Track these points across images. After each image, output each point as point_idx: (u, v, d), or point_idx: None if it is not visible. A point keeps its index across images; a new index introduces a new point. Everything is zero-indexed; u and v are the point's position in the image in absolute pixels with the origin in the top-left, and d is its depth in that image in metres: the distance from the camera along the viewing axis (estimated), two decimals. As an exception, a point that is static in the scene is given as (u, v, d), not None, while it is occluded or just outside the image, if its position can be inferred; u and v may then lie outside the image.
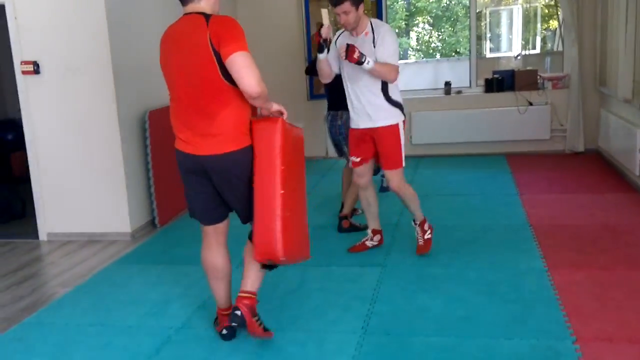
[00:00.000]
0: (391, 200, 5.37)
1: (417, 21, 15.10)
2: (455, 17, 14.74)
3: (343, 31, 3.84)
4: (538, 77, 6.85)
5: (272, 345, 2.96)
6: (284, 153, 2.69)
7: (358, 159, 3.96)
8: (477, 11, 11.42)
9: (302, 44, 7.21)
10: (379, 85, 3.72)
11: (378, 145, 3.87)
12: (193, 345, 3.02)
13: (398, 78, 3.73)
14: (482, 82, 7.07)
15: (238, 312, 2.81)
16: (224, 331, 3.04)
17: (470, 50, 7.25)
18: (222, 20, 2.62)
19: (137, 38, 4.96)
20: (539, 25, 12.10)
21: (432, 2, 14.91)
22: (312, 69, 4.79)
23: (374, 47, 3.66)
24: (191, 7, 2.67)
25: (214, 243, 2.96)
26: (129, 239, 4.77)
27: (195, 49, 2.59)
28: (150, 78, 5.12)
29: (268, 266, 2.90)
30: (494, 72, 7.02)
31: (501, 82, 6.85)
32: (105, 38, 4.58)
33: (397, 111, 3.81)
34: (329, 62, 3.82)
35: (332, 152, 7.21)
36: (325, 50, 3.70)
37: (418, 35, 15.57)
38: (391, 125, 3.81)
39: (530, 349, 2.78)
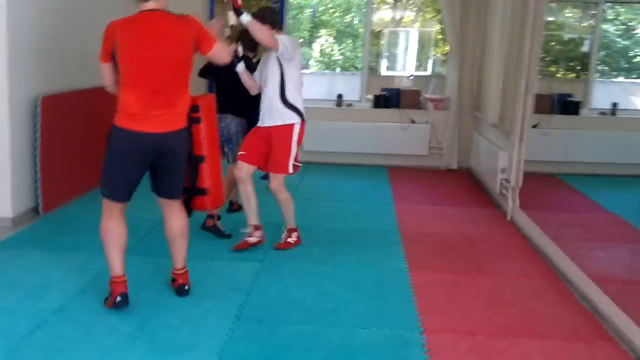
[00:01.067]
0: (272, 201, 5.66)
1: (320, 34, 15.56)
2: (356, 33, 15.34)
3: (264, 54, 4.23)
4: (421, 97, 7.40)
5: (147, 329, 3.13)
6: (214, 123, 3.54)
7: (244, 153, 4.20)
8: (377, 30, 12.00)
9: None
10: (277, 88, 4.04)
11: (270, 145, 4.14)
12: (69, 327, 3.11)
13: (295, 86, 4.08)
14: (371, 97, 7.53)
15: (186, 287, 3.49)
16: (118, 298, 3.25)
17: (362, 66, 7.71)
18: (195, 20, 3.16)
19: (34, 21, 4.92)
20: (432, 49, 12.87)
21: (336, 17, 15.43)
22: (205, 72, 4.96)
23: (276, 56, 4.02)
24: (152, 4, 3.08)
25: (119, 214, 3.28)
26: (9, 224, 4.71)
27: (178, 43, 3.09)
28: (47, 63, 5.12)
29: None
30: (382, 90, 7.50)
31: (388, 99, 7.33)
32: (3, 16, 4.52)
33: (291, 113, 4.08)
34: (249, 75, 4.22)
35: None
36: (240, 63, 4.12)
37: (321, 48, 16.05)
38: (284, 126, 4.08)
39: (383, 338, 3.13)
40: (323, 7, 14.60)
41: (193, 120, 3.32)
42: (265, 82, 4.11)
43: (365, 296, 3.64)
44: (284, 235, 4.44)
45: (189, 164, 3.36)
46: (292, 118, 4.08)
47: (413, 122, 7.30)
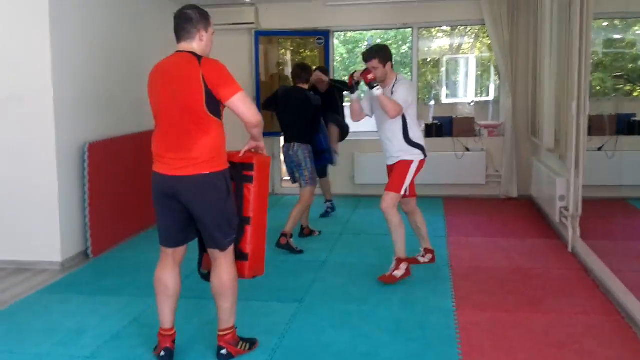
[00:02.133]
0: (323, 238, 5.55)
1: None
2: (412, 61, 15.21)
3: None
4: (474, 124, 7.14)
5: (177, 376, 3.05)
6: (267, 185, 3.29)
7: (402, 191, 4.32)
8: (436, 59, 11.83)
9: (252, 82, 7.43)
10: (400, 128, 4.23)
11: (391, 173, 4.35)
12: (97, 375, 3.09)
13: (414, 121, 4.28)
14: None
15: (224, 352, 3.17)
16: (162, 353, 3.15)
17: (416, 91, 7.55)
18: (213, 63, 2.97)
19: (80, 69, 5.10)
20: (492, 74, 12.57)
21: (393, 48, 15.39)
22: (268, 104, 5.52)
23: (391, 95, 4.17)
24: (183, 46, 3.03)
25: (170, 263, 3.17)
26: (58, 268, 4.81)
27: (186, 82, 2.93)
28: (92, 110, 5.27)
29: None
30: (434, 118, 7.31)
31: (440, 127, 7.13)
32: (48, 68, 4.70)
33: (416, 150, 4.27)
34: (360, 104, 4.39)
35: (278, 188, 7.39)
36: (356, 91, 4.29)
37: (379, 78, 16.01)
38: (406, 160, 4.27)
39: (419, 384, 2.92)
40: (379, 40, 14.62)
41: (245, 178, 3.13)
42: (382, 120, 4.30)
43: (404, 339, 3.43)
44: (392, 266, 4.32)
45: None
46: (417, 154, 4.28)
47: (467, 150, 7.05)
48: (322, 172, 6.18)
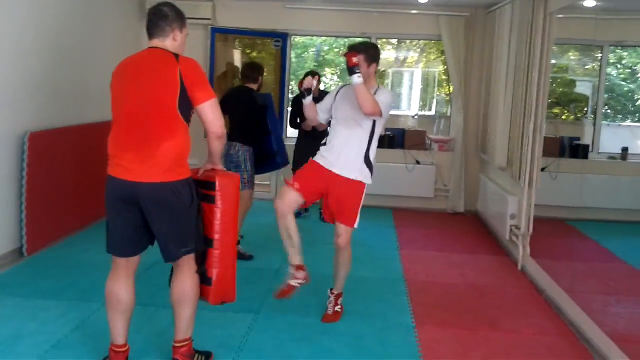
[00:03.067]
0: (275, 244, 5.38)
1: (325, 72, 15.50)
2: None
3: (348, 84, 3.71)
4: (426, 137, 7.18)
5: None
6: (235, 206, 2.99)
7: (297, 185, 3.66)
8: (382, 70, 11.89)
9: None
10: (364, 143, 3.67)
11: (336, 195, 3.68)
12: (38, 388, 2.83)
13: (377, 139, 3.71)
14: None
15: None
16: None
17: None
18: (191, 62, 2.78)
19: (23, 54, 4.73)
20: (435, 89, 12.76)
21: (340, 56, 15.40)
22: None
23: None
24: (155, 43, 2.82)
25: (123, 275, 2.89)
26: (-11, 266, 4.45)
27: (160, 78, 2.71)
28: (34, 98, 4.91)
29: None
30: (387, 129, 7.28)
31: (392, 139, 7.12)
32: (-13, 51, 4.35)
33: (368, 172, 3.71)
34: (315, 108, 3.86)
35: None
36: (308, 96, 3.77)
37: (325, 86, 15.98)
38: (359, 182, 3.68)
39: (386, 405, 2.82)
40: (327, 47, 14.57)
41: (206, 198, 2.90)
42: (347, 126, 3.69)
43: (366, 355, 3.34)
44: (330, 302, 3.87)
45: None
46: (368, 178, 3.71)
47: (418, 162, 7.06)
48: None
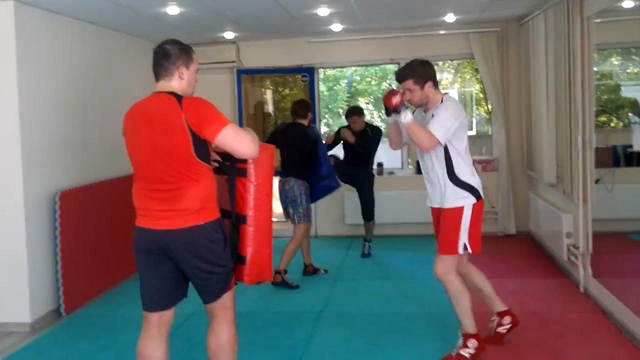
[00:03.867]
0: (316, 286, 5.16)
1: (358, 102, 15.41)
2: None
3: (420, 109, 3.56)
4: (469, 160, 6.89)
5: None
6: (271, 188, 2.86)
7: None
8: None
9: (235, 121, 7.11)
10: (442, 164, 3.39)
11: (438, 226, 3.54)
12: None
13: (462, 154, 3.39)
14: (414, 163, 7.07)
15: None
16: None
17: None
18: (194, 101, 2.64)
19: (50, 113, 4.72)
20: (473, 108, 12.49)
21: (373, 85, 15.28)
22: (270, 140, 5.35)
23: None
24: (162, 85, 2.71)
25: (156, 333, 2.73)
26: (27, 329, 4.34)
27: (169, 128, 2.58)
28: (63, 157, 4.88)
29: None
30: (425, 155, 7.04)
31: (432, 164, 6.85)
32: (15, 113, 4.33)
33: (463, 192, 3.37)
34: (399, 129, 3.58)
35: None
36: (393, 114, 3.41)
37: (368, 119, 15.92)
38: (454, 208, 3.38)
39: None
40: (359, 77, 14.50)
41: (239, 172, 2.78)
42: (421, 157, 3.51)
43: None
44: (459, 343, 3.50)
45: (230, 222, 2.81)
46: (465, 198, 3.37)
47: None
48: (369, 215, 6.09)
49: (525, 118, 6.56)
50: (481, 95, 12.32)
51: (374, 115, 15.77)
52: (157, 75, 2.71)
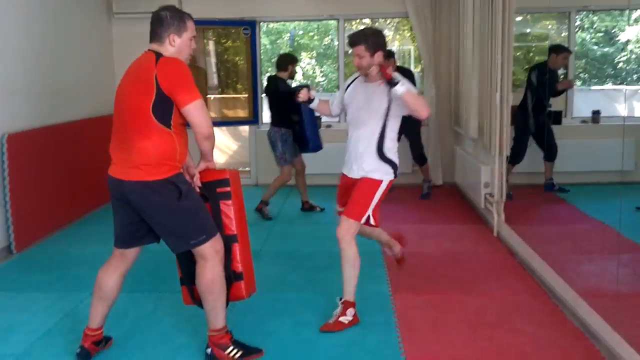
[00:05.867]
0: (256, 228, 5.51)
1: (301, 57, 15.55)
2: (337, 54, 15.35)
3: (358, 75, 3.59)
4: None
5: (115, 371, 2.97)
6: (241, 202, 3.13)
7: (342, 209, 3.64)
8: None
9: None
10: (375, 138, 3.45)
11: (352, 191, 3.53)
12: (32, 373, 2.97)
13: (394, 131, 3.48)
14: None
15: (208, 351, 3.03)
16: (78, 350, 3.04)
17: (338, 86, 7.65)
18: (171, 63, 2.75)
19: (-3, 58, 4.83)
20: (412, 66, 12.87)
21: (315, 40, 15.43)
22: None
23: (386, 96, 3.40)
24: (153, 46, 2.85)
25: (112, 265, 3.02)
26: (-22, 265, 4.56)
27: (138, 82, 2.76)
28: (11, 100, 4.99)
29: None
30: (361, 109, 7.41)
31: (368, 118, 7.24)
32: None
33: (386, 168, 3.49)
34: (328, 105, 3.81)
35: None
36: (311, 104, 3.75)
37: (303, 70, 16.05)
38: (373, 180, 3.48)
39: (362, 369, 2.98)
40: (302, 31, 14.62)
41: (221, 195, 2.97)
42: (355, 126, 3.53)
43: (344, 324, 3.49)
44: (337, 311, 3.50)
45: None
46: (386, 173, 3.49)
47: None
48: (421, 159, 6.76)
49: (454, 76, 6.99)
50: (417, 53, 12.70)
51: (315, 71, 15.95)
52: (150, 39, 2.85)
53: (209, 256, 2.89)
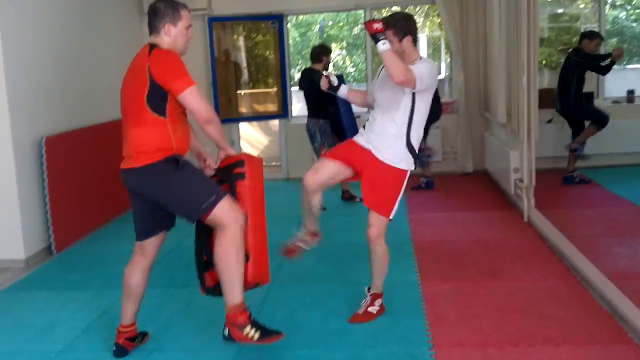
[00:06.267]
0: (285, 220, 5.61)
1: (332, 48, 15.61)
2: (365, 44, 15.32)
3: None
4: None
5: (152, 363, 3.10)
6: (262, 186, 3.09)
7: (333, 157, 3.54)
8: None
9: (208, 69, 7.40)
10: (404, 124, 3.33)
11: (371, 179, 3.41)
12: (73, 367, 3.11)
13: (422, 119, 3.36)
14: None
15: (225, 332, 2.98)
16: (114, 347, 3.17)
17: (366, 76, 7.68)
18: (163, 54, 2.84)
19: (34, 60, 5.00)
20: (442, 52, 12.77)
21: (345, 30, 15.44)
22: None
23: None
24: (151, 38, 2.95)
25: (135, 261, 3.11)
26: (22, 265, 4.74)
27: (134, 73, 2.88)
28: (48, 103, 5.18)
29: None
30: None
31: (397, 107, 7.25)
32: (0, 58, 4.59)
33: (410, 159, 3.39)
34: (364, 96, 3.68)
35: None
36: (339, 91, 3.64)
37: (334, 62, 16.10)
38: (400, 170, 3.38)
39: (390, 356, 3.04)
40: (331, 22, 14.65)
41: (237, 176, 3.01)
42: (384, 106, 3.40)
43: (373, 313, 3.55)
44: (365, 302, 3.56)
45: None
46: (409, 164, 3.40)
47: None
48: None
49: (483, 61, 6.94)
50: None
51: (346, 61, 15.97)
52: (149, 32, 2.97)
53: (227, 224, 2.86)
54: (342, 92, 3.66)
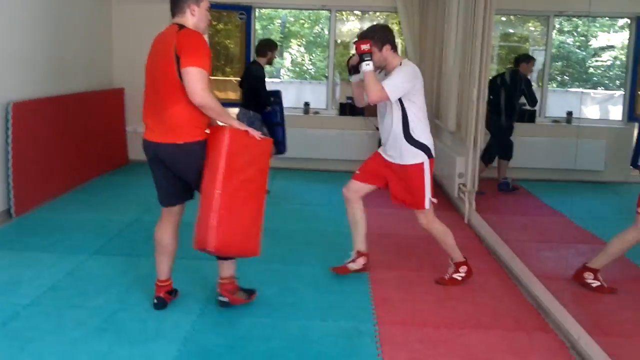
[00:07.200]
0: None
1: (291, 44, 15.78)
2: (326, 43, 15.59)
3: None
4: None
5: (115, 322, 3.31)
6: (228, 157, 3.06)
7: (358, 173, 4.11)
8: (347, 41, 12.29)
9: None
10: (400, 124, 3.73)
11: (395, 183, 3.93)
12: (40, 320, 3.28)
13: (419, 114, 3.75)
14: (337, 105, 7.79)
15: (221, 299, 3.49)
16: (155, 300, 3.45)
17: (328, 76, 7.98)
18: (189, 33, 3.05)
19: (6, 27, 5.06)
20: (399, 59, 13.24)
21: (306, 27, 15.69)
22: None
23: None
24: (176, 19, 3.14)
25: (165, 221, 3.39)
26: (-21, 226, 4.83)
27: (163, 51, 3.06)
28: (16, 70, 5.25)
29: (224, 257, 3.43)
30: (347, 98, 7.76)
31: (353, 107, 7.57)
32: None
33: (418, 151, 3.77)
34: (361, 88, 3.86)
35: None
36: (355, 75, 3.83)
37: (292, 57, 16.30)
38: (416, 164, 3.79)
39: (338, 329, 3.36)
40: (293, 18, 14.88)
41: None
42: (382, 114, 3.87)
43: (324, 292, 3.87)
44: (450, 269, 4.08)
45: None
46: (422, 155, 3.78)
47: (377, 129, 7.50)
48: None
49: (437, 71, 7.34)
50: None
51: (304, 59, 16.21)
52: (172, 13, 3.15)
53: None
54: (358, 76, 3.80)
